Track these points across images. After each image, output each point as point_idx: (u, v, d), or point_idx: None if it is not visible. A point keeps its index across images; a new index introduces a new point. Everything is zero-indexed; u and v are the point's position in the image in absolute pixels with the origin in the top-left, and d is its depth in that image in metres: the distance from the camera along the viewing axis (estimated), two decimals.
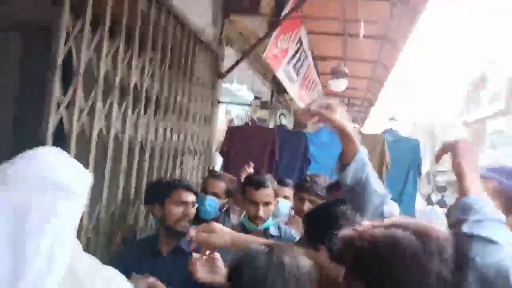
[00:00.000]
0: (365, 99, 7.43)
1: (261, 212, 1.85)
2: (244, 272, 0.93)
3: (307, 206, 2.03)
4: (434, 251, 0.77)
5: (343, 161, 1.22)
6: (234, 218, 2.37)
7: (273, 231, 1.93)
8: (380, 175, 3.24)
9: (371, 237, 0.81)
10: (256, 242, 1.24)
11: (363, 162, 1.20)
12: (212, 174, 2.51)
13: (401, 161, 3.43)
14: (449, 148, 1.02)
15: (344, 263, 0.87)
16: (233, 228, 1.94)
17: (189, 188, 1.83)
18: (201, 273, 1.29)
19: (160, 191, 1.88)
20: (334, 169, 1.26)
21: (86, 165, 1.92)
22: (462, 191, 0.94)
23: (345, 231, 0.87)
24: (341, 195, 1.63)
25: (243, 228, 1.86)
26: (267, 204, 1.88)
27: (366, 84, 6.56)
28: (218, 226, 1.29)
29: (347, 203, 1.21)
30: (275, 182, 2.04)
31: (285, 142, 3.36)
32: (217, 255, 1.34)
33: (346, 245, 0.84)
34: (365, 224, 0.87)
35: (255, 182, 1.91)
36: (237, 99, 5.02)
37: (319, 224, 1.19)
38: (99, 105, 1.95)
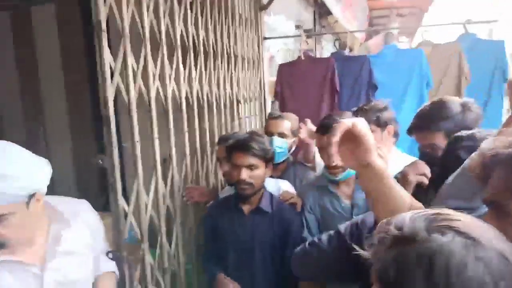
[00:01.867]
0: (415, 7, 6.65)
1: (333, 158, 1.62)
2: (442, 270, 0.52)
3: None
4: None
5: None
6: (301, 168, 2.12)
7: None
8: (459, 90, 2.88)
9: None
10: None
11: None
12: (270, 115, 2.27)
13: (483, 68, 2.93)
14: None
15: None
16: (317, 179, 1.79)
17: (244, 149, 1.63)
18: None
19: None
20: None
21: (150, 130, 1.82)
22: None
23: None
24: None
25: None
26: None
27: None
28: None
29: None
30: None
31: (345, 70, 3.04)
32: None
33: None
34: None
35: (320, 127, 1.68)
36: (275, 33, 4.65)
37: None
38: (151, 64, 1.79)
